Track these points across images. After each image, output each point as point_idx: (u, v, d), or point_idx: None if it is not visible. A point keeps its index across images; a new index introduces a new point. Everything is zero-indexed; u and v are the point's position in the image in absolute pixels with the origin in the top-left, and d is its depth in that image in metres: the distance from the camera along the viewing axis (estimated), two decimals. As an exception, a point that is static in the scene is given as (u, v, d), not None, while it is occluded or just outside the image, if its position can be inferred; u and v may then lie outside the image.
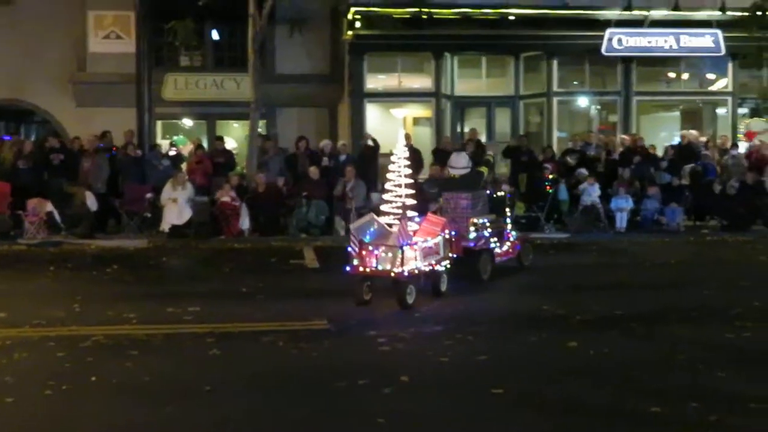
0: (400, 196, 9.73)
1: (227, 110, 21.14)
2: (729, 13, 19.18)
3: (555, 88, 21.10)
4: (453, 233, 10.40)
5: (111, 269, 12.26)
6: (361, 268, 9.42)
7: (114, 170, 17.20)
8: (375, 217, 9.84)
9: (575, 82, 21.94)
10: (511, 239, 12.12)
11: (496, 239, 11.59)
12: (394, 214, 9.70)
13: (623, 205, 16.87)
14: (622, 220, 16.85)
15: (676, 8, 20.10)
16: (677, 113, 22.97)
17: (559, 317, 8.62)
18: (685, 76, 22.12)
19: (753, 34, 17.75)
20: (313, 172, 16.94)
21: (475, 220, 11.30)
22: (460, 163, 12.53)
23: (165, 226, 15.83)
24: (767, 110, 22.07)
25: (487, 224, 11.46)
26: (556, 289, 10.56)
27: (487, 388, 5.95)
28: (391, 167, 9.97)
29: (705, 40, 20.33)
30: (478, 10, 19.56)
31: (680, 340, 7.52)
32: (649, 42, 20.39)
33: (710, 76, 22.04)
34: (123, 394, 5.96)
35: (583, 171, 17.46)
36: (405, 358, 7.01)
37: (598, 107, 22.24)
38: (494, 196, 12.30)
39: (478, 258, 11.04)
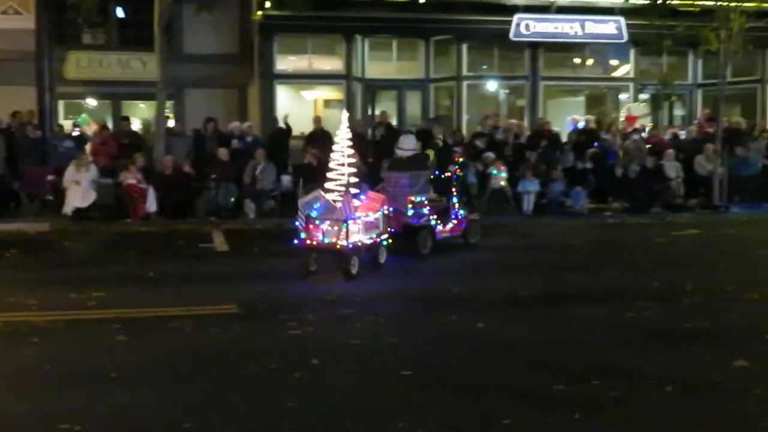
0: (344, 174, 10.31)
1: (133, 90, 20.63)
2: (631, 1, 19.69)
3: (464, 72, 21.35)
4: (391, 209, 11.10)
5: (10, 254, 11.83)
6: (308, 242, 10.09)
7: (12, 151, 16.57)
8: (321, 193, 10.43)
9: (484, 67, 22.24)
10: (459, 217, 12.74)
11: (436, 217, 12.17)
12: (338, 190, 10.28)
13: (530, 188, 17.21)
14: (529, 203, 17.19)
15: (581, -5, 20.59)
16: (582, 98, 23.58)
17: (468, 299, 8.75)
18: (589, 61, 22.71)
19: (653, 21, 18.25)
20: (222, 153, 16.70)
21: (413, 198, 11.93)
22: (407, 145, 13.26)
23: (68, 209, 15.34)
24: (667, 96, 22.90)
25: (425, 202, 12.10)
26: (465, 271, 10.72)
27: (397, 370, 5.99)
28: (334, 147, 10.53)
29: (608, 27, 20.87)
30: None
31: (584, 321, 7.74)
32: (556, 28, 20.82)
33: (613, 62, 22.68)
34: (23, 383, 5.78)
35: (491, 154, 17.72)
36: (316, 341, 7.00)
37: (507, 91, 22.62)
38: (441, 176, 13.00)
39: (417, 234, 11.75)
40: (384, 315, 7.91)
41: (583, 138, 19.22)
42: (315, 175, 16.68)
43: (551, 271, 10.77)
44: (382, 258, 10.68)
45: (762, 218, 17.14)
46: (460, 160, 17.35)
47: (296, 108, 20.64)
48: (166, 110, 18.54)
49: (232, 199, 16.30)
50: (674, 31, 18.27)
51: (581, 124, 20.38)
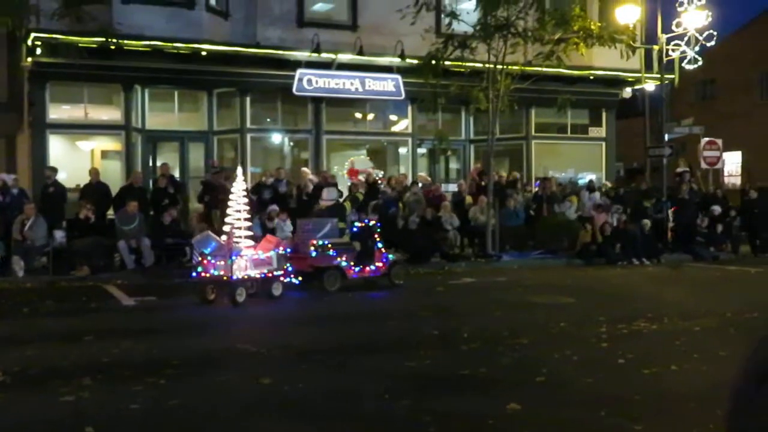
0: (239, 219, 12.66)
1: None
2: (408, 60, 20.59)
3: (248, 124, 21.34)
4: (288, 250, 13.28)
5: None
6: (203, 274, 12.29)
7: None
8: (211, 233, 13.08)
9: (268, 120, 22.35)
10: (385, 260, 14.61)
11: (344, 258, 13.91)
12: (228, 232, 12.47)
13: (315, 239, 17.36)
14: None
15: (360, 53, 21.24)
16: (364, 151, 24.26)
17: (252, 354, 8.62)
18: (370, 116, 23.44)
19: (428, 80, 19.17)
20: (-13, 208, 15.57)
21: (316, 242, 13.88)
22: (329, 197, 16.20)
23: None
24: (443, 150, 24.09)
25: (329, 245, 13.92)
26: (249, 325, 10.58)
27: (178, 434, 5.76)
28: (232, 197, 12.82)
29: (387, 84, 21.70)
30: (169, 44, 19.21)
31: (367, 370, 7.84)
32: (337, 84, 21.35)
33: (393, 117, 23.57)
34: None
35: (275, 207, 17.74)
36: (91, 407, 6.58)
37: (291, 144, 22.84)
38: (367, 224, 14.87)
39: (323, 273, 13.74)
40: (165, 375, 7.60)
41: (366, 190, 19.74)
42: (90, 229, 16.06)
43: (337, 322, 10.87)
44: (277, 291, 12.78)
45: (530, 265, 18.36)
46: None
47: (71, 159, 19.68)
48: None
49: (-1, 256, 15.19)
50: (447, 90, 19.29)
51: (362, 177, 20.96)
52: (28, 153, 19.57)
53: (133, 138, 20.29)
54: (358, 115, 23.44)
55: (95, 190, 17.47)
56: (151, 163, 20.98)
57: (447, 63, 19.16)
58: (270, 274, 12.69)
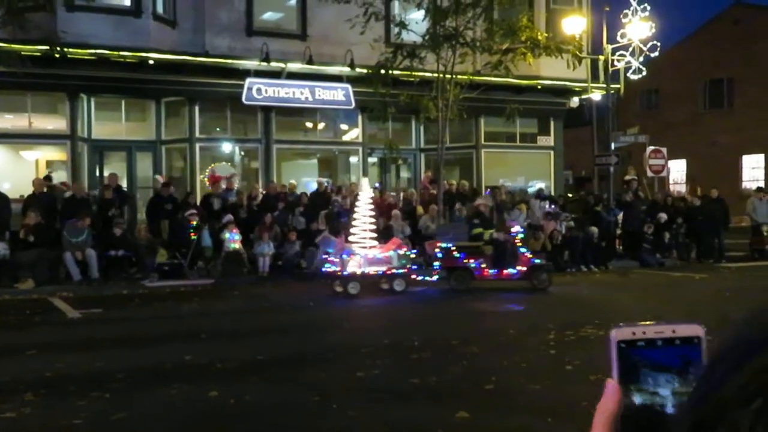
0: (364, 223, 14.89)
1: None
2: (357, 69, 20.60)
3: (197, 134, 21.15)
4: (414, 251, 16.02)
5: None
6: (330, 270, 14.75)
7: None
8: (330, 235, 16.02)
9: (218, 129, 22.18)
10: (526, 264, 15.40)
11: (473, 260, 15.24)
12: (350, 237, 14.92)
13: (265, 250, 17.29)
14: (264, 265, 17.25)
15: (310, 62, 21.21)
16: (315, 161, 24.21)
17: (201, 366, 8.52)
18: (321, 125, 23.40)
19: (378, 90, 19.21)
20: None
21: (440, 244, 15.55)
22: (484, 201, 17.58)
23: None
24: (393, 159, 24.14)
25: (453, 248, 15.29)
26: (199, 337, 10.46)
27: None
28: (358, 203, 15.26)
29: (337, 94, 21.69)
30: (115, 53, 18.96)
31: (317, 381, 7.80)
32: (287, 93, 21.27)
33: (343, 126, 23.56)
34: None
35: (230, 216, 17.63)
36: (33, 424, 6.44)
37: (241, 153, 22.69)
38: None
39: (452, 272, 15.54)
40: (111, 389, 7.46)
41: (316, 200, 19.71)
42: (34, 240, 15.75)
43: (286, 334, 10.80)
44: (400, 287, 14.70)
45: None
46: (195, 222, 17.19)
47: (15, 169, 19.28)
48: None
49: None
50: (397, 99, 19.35)
51: (313, 186, 20.92)
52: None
53: (79, 148, 19.95)
54: (309, 125, 23.39)
55: (40, 199, 17.14)
56: (98, 173, 20.66)
57: (396, 72, 19.24)
58: (388, 272, 14.64)
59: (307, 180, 22.82)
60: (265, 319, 12.25)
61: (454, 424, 6.23)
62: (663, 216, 21.72)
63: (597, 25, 23.91)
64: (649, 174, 25.70)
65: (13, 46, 17.51)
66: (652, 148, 25.74)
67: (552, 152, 25.72)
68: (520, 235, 15.73)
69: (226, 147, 22.32)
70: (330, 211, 19.12)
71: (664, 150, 25.71)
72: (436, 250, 15.65)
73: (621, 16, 22.87)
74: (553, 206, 21.51)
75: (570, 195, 26.51)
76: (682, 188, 36.18)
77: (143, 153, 21.14)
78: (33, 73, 18.06)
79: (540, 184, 24.66)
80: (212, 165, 20.90)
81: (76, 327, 11.81)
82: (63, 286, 15.56)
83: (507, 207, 21.08)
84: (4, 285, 15.05)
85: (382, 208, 19.84)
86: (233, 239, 17.11)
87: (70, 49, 18.05)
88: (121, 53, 19.06)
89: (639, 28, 22.49)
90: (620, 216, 21.96)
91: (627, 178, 24.62)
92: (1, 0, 16.77)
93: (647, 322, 0.86)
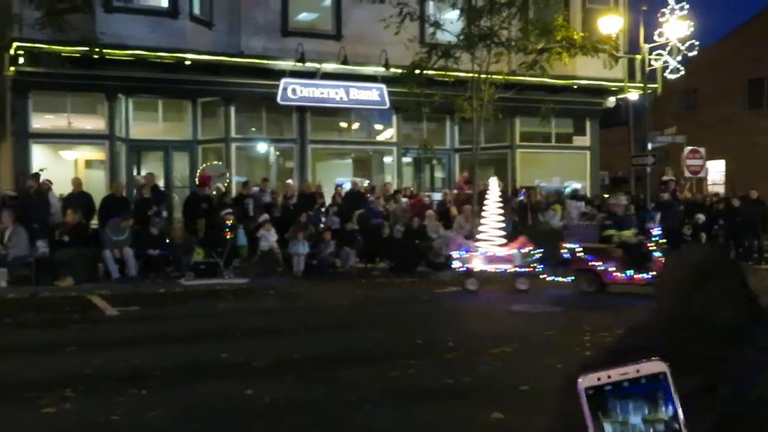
0: (492, 221, 15.37)
1: None
2: (392, 69, 20.61)
3: (233, 134, 21.29)
4: (532, 250, 15.17)
5: None
6: (459, 268, 15.19)
7: None
8: (462, 238, 16.12)
9: (253, 129, 22.31)
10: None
11: (602, 263, 14.87)
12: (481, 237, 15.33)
13: (300, 249, 17.36)
14: (299, 264, 17.32)
15: (345, 62, 21.25)
16: (349, 161, 24.26)
17: (236, 364, 8.58)
18: (355, 126, 23.45)
19: (412, 90, 19.20)
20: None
21: (566, 245, 15.46)
22: (618, 201, 16.57)
23: None
24: (428, 159, 24.13)
25: (579, 249, 15.14)
26: (235, 335, 10.53)
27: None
28: (486, 202, 15.62)
29: (372, 94, 21.71)
30: (153, 53, 19.16)
31: (351, 381, 7.82)
32: (322, 93, 21.34)
33: (378, 126, 23.58)
34: None
35: (266, 216, 17.74)
36: (72, 419, 6.54)
37: (276, 153, 22.80)
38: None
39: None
40: (147, 386, 7.55)
41: (351, 200, 19.76)
42: (77, 236, 15.97)
43: (320, 333, 10.84)
44: (523, 286, 14.78)
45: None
46: (230, 222, 17.32)
47: (55, 168, 19.56)
48: None
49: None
50: (431, 99, 19.31)
51: (347, 186, 20.97)
52: (10, 162, 19.45)
53: (117, 147, 20.20)
54: (343, 125, 23.44)
55: (78, 198, 17.38)
56: (135, 172, 20.89)
57: (431, 72, 19.20)
58: (512, 269, 14.95)
59: (340, 180, 22.88)
60: (300, 318, 12.29)
61: (489, 425, 6.21)
62: (701, 217, 21.44)
63: (634, 24, 23.68)
64: (687, 174, 25.41)
65: (52, 47, 17.80)
66: (690, 148, 25.45)
67: (588, 152, 25.52)
68: (657, 239, 14.98)
69: (262, 147, 22.45)
70: (362, 212, 19.17)
71: (703, 150, 25.40)
72: (563, 251, 15.50)
73: (658, 15, 22.63)
74: (588, 207, 21.33)
75: (606, 195, 26.26)
76: (721, 189, 35.70)
77: (180, 153, 21.34)
78: (72, 74, 18.36)
79: (575, 185, 24.48)
80: (204, 165, 20.75)
81: (113, 324, 11.96)
82: (101, 283, 15.75)
83: (542, 208, 20.96)
84: (45, 282, 15.26)
85: (417, 209, 19.89)
86: (268, 239, 17.20)
87: (109, 51, 18.26)
88: (159, 54, 19.26)
89: (677, 27, 22.23)
90: (657, 217, 21.71)
91: (664, 178, 24.34)
92: (40, 2, 17.05)
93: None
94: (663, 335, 1.13)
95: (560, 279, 15.51)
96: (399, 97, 20.97)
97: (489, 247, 15.19)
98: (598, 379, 0.86)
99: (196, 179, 20.03)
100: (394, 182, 22.55)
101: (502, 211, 15.59)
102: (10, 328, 11.40)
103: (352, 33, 21.84)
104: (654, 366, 0.86)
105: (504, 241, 15.32)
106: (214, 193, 19.02)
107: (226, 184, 19.74)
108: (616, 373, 0.86)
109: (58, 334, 10.76)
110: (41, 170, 17.73)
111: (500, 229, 15.47)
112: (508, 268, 15.08)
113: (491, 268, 15.10)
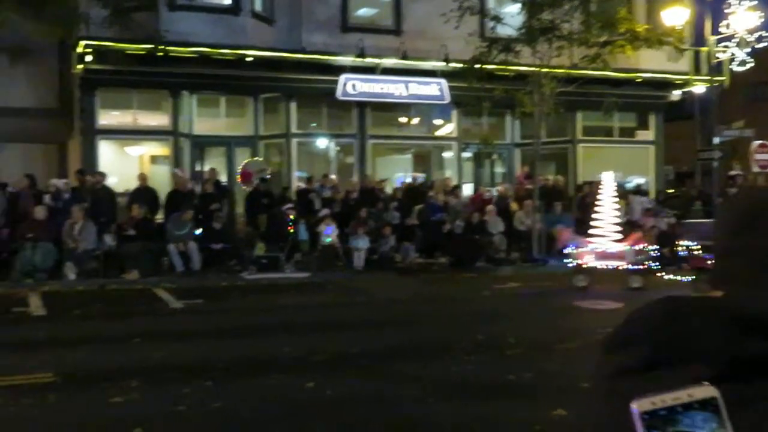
0: (608, 217, 14.98)
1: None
2: (452, 64, 20.51)
3: (294, 129, 21.46)
4: (646, 247, 14.80)
5: None
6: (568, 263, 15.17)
7: None
8: (571, 233, 16.20)
9: (313, 124, 22.45)
10: None
11: None
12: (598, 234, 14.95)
13: (360, 244, 17.43)
14: (359, 259, 17.40)
15: (404, 57, 21.23)
16: (409, 156, 24.25)
17: (297, 358, 8.66)
18: (415, 121, 23.41)
19: (472, 84, 19.09)
20: (39, 212, 15.89)
21: (682, 243, 15.21)
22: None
23: None
24: (488, 154, 23.97)
25: (695, 247, 14.63)
26: (296, 329, 10.64)
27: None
28: (600, 197, 15.19)
29: (431, 89, 21.64)
30: (215, 50, 19.41)
31: (412, 376, 7.83)
32: (381, 88, 21.34)
33: (438, 121, 23.51)
34: None
35: (327, 211, 17.86)
36: (138, 409, 6.69)
37: (337, 149, 22.91)
38: None
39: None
40: (212, 378, 7.67)
41: (410, 194, 19.77)
42: (142, 231, 16.32)
43: (380, 328, 10.88)
44: (636, 284, 14.26)
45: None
46: (292, 216, 17.49)
47: (121, 164, 20.00)
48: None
49: (50, 260, 15.48)
50: (492, 94, 19.18)
51: (407, 180, 20.98)
52: (78, 159, 19.92)
53: (181, 143, 20.54)
54: (403, 120, 23.42)
55: (144, 194, 17.74)
56: (198, 168, 21.22)
57: (491, 66, 19.08)
58: (623, 266, 14.55)
59: (400, 175, 22.86)
60: (360, 313, 12.36)
61: (552, 422, 6.16)
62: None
63: (700, 16, 23.15)
64: (755, 169, 24.75)
65: (119, 45, 18.17)
66: (759, 142, 24.78)
67: (652, 147, 25.04)
68: None
69: (322, 142, 22.58)
70: (422, 207, 19.15)
71: (772, 144, 24.71)
72: (679, 248, 15.32)
73: (725, 6, 22.10)
74: (652, 202, 20.97)
75: (671, 191, 25.78)
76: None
77: (242, 148, 21.59)
78: (138, 71, 18.70)
79: (638, 180, 24.06)
80: (245, 161, 20.88)
81: (178, 317, 12.20)
82: (166, 277, 16.06)
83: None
84: (112, 276, 15.63)
85: (477, 204, 19.81)
86: (329, 233, 17.31)
87: (172, 48, 18.57)
88: (221, 51, 19.49)
89: (745, 18, 21.67)
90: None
91: (732, 173, 23.79)
92: (107, 1, 17.42)
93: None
94: (666, 322, 1.09)
95: (679, 278, 14.99)
96: (459, 92, 20.87)
97: (600, 243, 14.90)
98: (652, 403, 0.89)
99: (237, 176, 20.17)
100: (454, 177, 22.46)
101: (617, 206, 15.20)
102: (79, 319, 11.71)
103: (412, 28, 21.80)
104: (705, 391, 0.89)
105: (619, 236, 14.95)
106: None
107: (267, 178, 19.81)
108: (669, 398, 0.89)
109: (124, 325, 11.01)
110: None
111: (616, 224, 15.08)
112: (620, 264, 14.69)
113: (602, 264, 14.78)
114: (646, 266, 14.68)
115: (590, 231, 15.18)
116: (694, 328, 1.03)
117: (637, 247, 14.72)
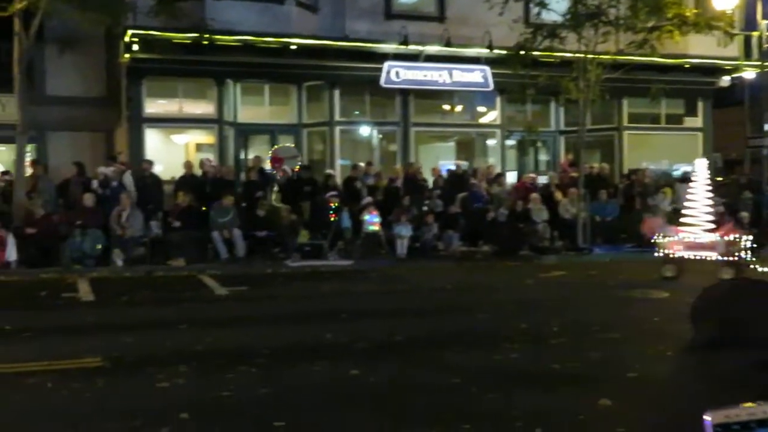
0: (701, 206, 14.22)
1: (-9, 133, 19.71)
2: (496, 51, 20.34)
3: (337, 117, 21.51)
4: (739, 238, 14.02)
5: None
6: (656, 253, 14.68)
7: None
8: (660, 221, 15.91)
9: (356, 112, 22.46)
10: None
11: None
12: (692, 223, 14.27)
13: (403, 232, 17.43)
14: (402, 247, 17.40)
15: (448, 44, 21.11)
16: (452, 144, 24.15)
17: (341, 345, 8.71)
18: (458, 108, 23.30)
19: (517, 71, 18.92)
20: (87, 199, 16.16)
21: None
22: None
23: None
24: (532, 142, 23.78)
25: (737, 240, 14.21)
26: (339, 316, 10.69)
27: (269, 422, 5.88)
28: (692, 185, 14.53)
29: (475, 76, 21.50)
30: (259, 39, 19.50)
31: (455, 364, 7.83)
32: (425, 75, 21.27)
33: (481, 109, 23.35)
34: None
35: (369, 199, 17.89)
36: (185, 394, 6.78)
37: (379, 136, 22.91)
38: None
39: None
40: (256, 364, 7.75)
41: (453, 182, 19.71)
42: (187, 218, 16.50)
43: (423, 315, 10.89)
44: (726, 276, 12.73)
45: (622, 259, 17.92)
46: (335, 204, 17.55)
47: (166, 152, 20.24)
48: (28, 153, 17.84)
49: (99, 247, 15.75)
50: (536, 81, 19.00)
51: (451, 168, 20.91)
52: (126, 146, 20.20)
53: (226, 131, 20.71)
54: (446, 107, 23.32)
55: (189, 181, 17.94)
56: (242, 156, 21.38)
57: (536, 53, 18.88)
58: (713, 257, 13.98)
59: (443, 163, 22.80)
60: (403, 301, 12.38)
61: (596, 412, 6.12)
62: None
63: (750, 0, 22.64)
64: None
65: (165, 34, 18.35)
66: (810, 129, 24.21)
67: (700, 134, 24.61)
68: None
69: (365, 130, 22.59)
70: (465, 195, 19.08)
71: (825, 131, 24.13)
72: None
73: (778, -11, 21.58)
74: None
75: (719, 179, 25.31)
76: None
77: (285, 136, 21.67)
78: (183, 60, 18.89)
79: (686, 167, 23.67)
80: (275, 146, 20.75)
81: (223, 303, 12.33)
82: (211, 264, 16.23)
83: (650, 191, 20.40)
84: (158, 262, 15.86)
85: (521, 192, 19.67)
86: (372, 221, 17.34)
87: (218, 36, 18.71)
88: (265, 39, 19.58)
89: (798, 1, 21.16)
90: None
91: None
92: (154, -10, 17.62)
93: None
94: (732, 301, 1.08)
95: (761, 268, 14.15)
96: (503, 79, 20.71)
97: (690, 233, 14.35)
98: (727, 417, 0.87)
99: (268, 161, 20.16)
100: (498, 165, 22.33)
101: (711, 194, 14.52)
102: (127, 305, 11.90)
103: (456, 15, 21.67)
104: None
105: (712, 226, 14.29)
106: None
107: (297, 168, 19.72)
108: (745, 413, 0.87)
109: (171, 311, 11.18)
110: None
111: (709, 213, 14.38)
112: (711, 255, 14.07)
113: (691, 254, 14.22)
114: (736, 258, 14.05)
115: (680, 220, 14.61)
116: (758, 311, 1.02)
117: (728, 238, 14.12)
